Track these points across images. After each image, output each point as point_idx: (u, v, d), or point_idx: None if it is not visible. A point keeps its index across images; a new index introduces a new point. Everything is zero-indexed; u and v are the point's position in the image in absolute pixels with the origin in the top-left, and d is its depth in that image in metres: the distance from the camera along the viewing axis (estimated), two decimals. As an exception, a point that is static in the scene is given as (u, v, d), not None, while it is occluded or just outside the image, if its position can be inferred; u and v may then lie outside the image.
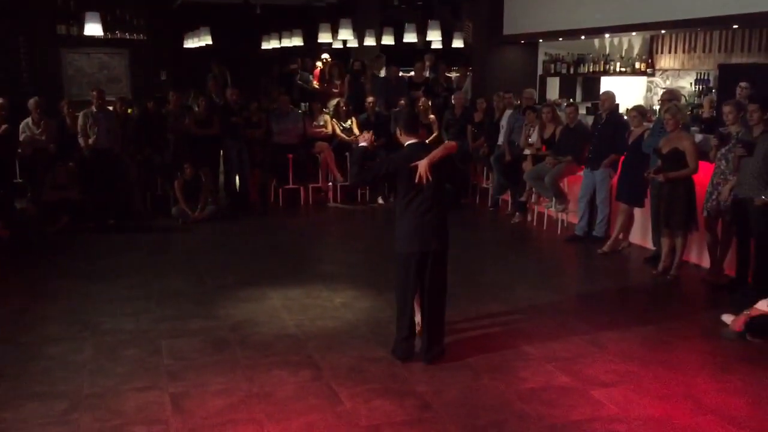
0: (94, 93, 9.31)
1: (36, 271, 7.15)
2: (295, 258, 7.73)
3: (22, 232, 8.51)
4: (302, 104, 12.03)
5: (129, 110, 10.37)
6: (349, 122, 10.63)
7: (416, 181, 4.69)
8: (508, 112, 9.74)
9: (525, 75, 11.57)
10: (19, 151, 9.11)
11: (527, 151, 9.08)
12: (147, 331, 5.49)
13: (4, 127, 8.64)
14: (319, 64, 13.73)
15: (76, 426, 4.03)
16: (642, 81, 11.97)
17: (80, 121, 9.09)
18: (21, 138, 9.04)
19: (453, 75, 12.56)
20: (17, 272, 7.13)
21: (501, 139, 9.70)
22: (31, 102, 9.03)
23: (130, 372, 4.75)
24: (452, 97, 10.85)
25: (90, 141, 9.05)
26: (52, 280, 6.78)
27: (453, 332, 5.51)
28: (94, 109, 9.14)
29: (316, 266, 7.42)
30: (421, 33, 12.68)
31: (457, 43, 13.37)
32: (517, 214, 9.42)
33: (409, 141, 4.88)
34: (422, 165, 4.67)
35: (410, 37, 12.30)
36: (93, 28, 10.13)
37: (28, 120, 9.03)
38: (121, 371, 4.76)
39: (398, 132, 4.99)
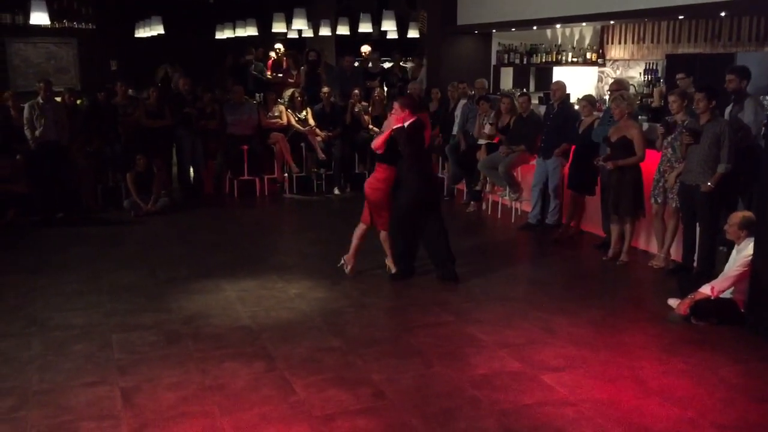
0: (41, 84, 9.06)
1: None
2: (250, 249, 7.68)
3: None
4: (257, 95, 11.92)
5: (78, 101, 10.14)
6: (304, 113, 10.57)
7: (427, 144, 6.56)
8: (462, 102, 9.81)
9: (479, 65, 11.66)
10: (-38, 143, 8.84)
11: (481, 141, 9.16)
12: (97, 326, 5.41)
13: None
14: (272, 54, 13.60)
15: (24, 423, 3.95)
16: (593, 71, 12.16)
17: (26, 112, 8.84)
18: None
19: (408, 65, 12.58)
20: (-38, 268, 6.93)
21: (455, 129, 9.77)
22: (-27, 93, 8.77)
23: (79, 367, 4.67)
24: (407, 87, 10.88)
25: (36, 133, 8.82)
26: (-2, 276, 6.62)
27: (405, 321, 5.56)
28: (40, 100, 8.90)
29: (271, 257, 7.39)
30: (376, 23, 12.65)
31: (413, 33, 13.38)
32: (472, 203, 9.51)
33: (416, 116, 6.31)
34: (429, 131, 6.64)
35: (365, 27, 12.27)
36: (39, 17, 9.87)
37: None
38: (70, 367, 4.68)
39: (408, 110, 6.25)
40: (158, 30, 13.60)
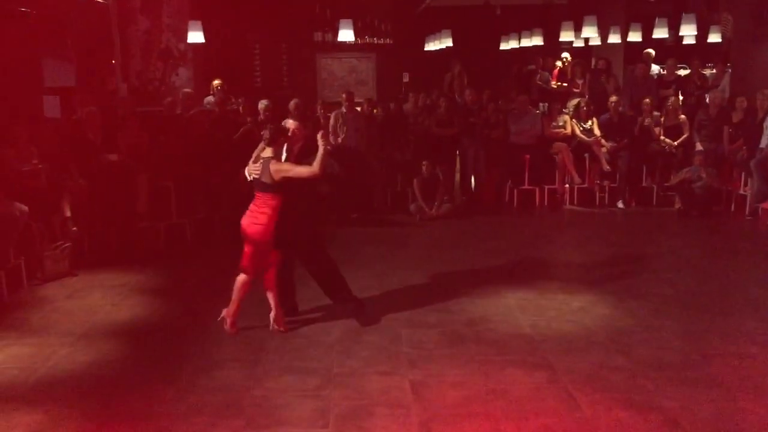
0: (345, 95, 9.98)
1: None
2: (528, 258, 7.65)
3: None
4: (541, 104, 11.86)
5: (374, 110, 10.95)
6: (589, 122, 10.28)
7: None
8: (773, 112, 8.79)
9: (796, 70, 10.37)
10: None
11: (796, 155, 8.13)
12: (387, 320, 5.74)
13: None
14: (558, 63, 13.43)
15: (328, 401, 4.35)
16: None
17: (331, 121, 9.78)
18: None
19: (708, 72, 11.61)
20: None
21: (764, 142, 8.78)
22: (292, 104, 9.81)
23: (373, 356, 5.02)
24: (707, 95, 10.05)
25: (339, 139, 9.70)
26: (302, 267, 7.32)
27: (701, 347, 5.12)
28: (344, 110, 9.79)
29: (550, 268, 7.29)
30: (673, 28, 11.87)
31: (713, 38, 12.31)
32: (781, 224, 8.47)
33: None
34: None
35: (660, 33, 11.58)
36: (346, 34, 10.81)
37: (288, 120, 9.87)
38: (365, 355, 5.05)
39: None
40: (447, 43, 14.18)
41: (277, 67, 14.13)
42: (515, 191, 10.34)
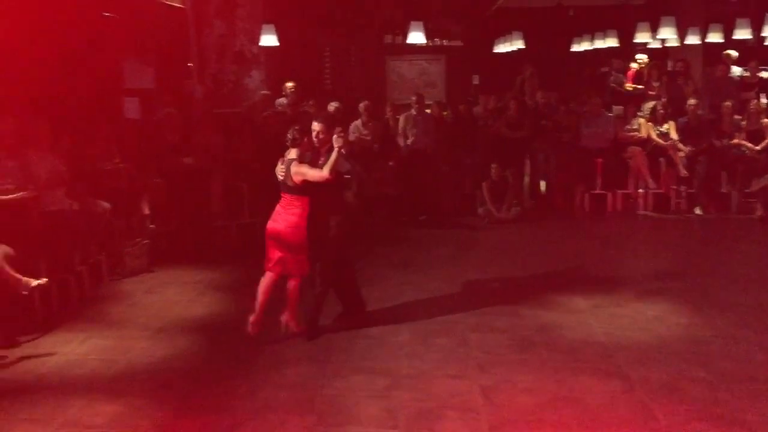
0: (414, 97, 10.01)
1: (360, 260, 7.82)
2: (601, 265, 7.49)
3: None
4: (614, 107, 11.58)
5: (443, 113, 10.91)
6: (666, 126, 9.98)
7: None
8: None
9: None
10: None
11: None
12: (456, 323, 5.73)
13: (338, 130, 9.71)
14: (633, 65, 13.09)
15: (397, 402, 4.36)
16: None
17: (401, 122, 9.82)
18: (350, 138, 10.02)
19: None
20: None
21: None
22: (362, 106, 9.94)
23: (442, 359, 5.02)
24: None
25: (408, 141, 9.73)
26: (372, 268, 7.35)
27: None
28: (413, 112, 9.81)
29: (624, 275, 7.11)
30: (756, 28, 11.42)
31: (799, 38, 11.78)
32: None
33: None
34: None
35: (742, 34, 11.15)
36: (416, 37, 10.82)
37: (358, 122, 9.97)
38: (434, 357, 5.04)
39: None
40: (518, 45, 14.02)
41: (347, 70, 14.26)
42: (586, 195, 10.13)
